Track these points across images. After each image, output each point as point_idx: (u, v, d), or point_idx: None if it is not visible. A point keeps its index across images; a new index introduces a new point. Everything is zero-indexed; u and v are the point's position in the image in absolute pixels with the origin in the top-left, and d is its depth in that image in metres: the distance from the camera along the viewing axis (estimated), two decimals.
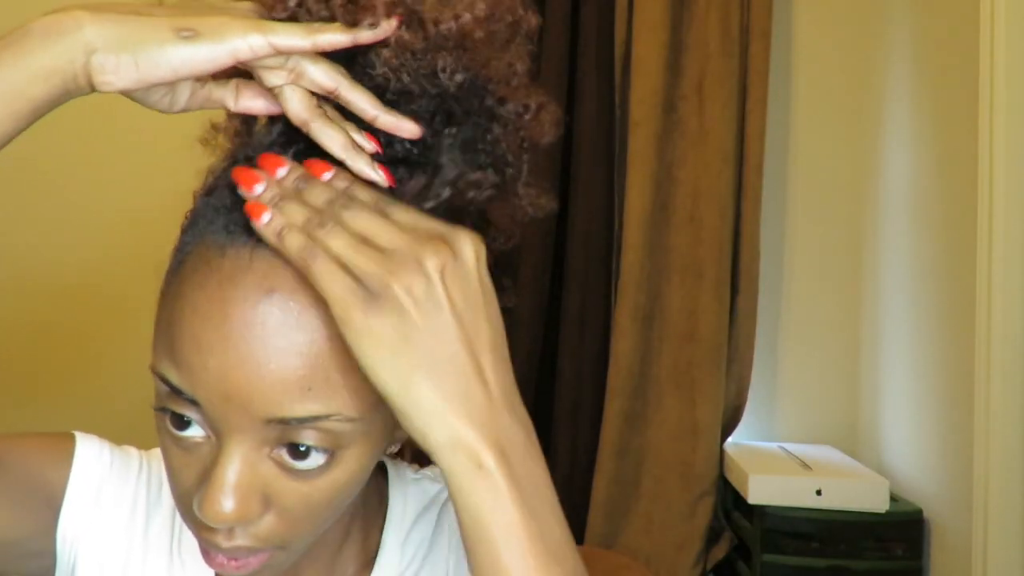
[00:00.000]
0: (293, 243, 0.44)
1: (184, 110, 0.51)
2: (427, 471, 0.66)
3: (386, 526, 0.62)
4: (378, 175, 0.47)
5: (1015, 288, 1.50)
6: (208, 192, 0.50)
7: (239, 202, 0.47)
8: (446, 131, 0.49)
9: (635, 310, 2.04)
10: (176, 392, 0.47)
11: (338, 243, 0.44)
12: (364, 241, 0.44)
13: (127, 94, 0.48)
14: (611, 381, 2.03)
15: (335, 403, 0.46)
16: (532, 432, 0.47)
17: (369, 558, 0.61)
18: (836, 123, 2.19)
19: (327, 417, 0.46)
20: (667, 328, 2.06)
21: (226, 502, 0.46)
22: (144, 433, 0.59)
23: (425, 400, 0.43)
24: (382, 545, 0.61)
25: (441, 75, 0.48)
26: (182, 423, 0.48)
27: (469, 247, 0.45)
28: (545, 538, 0.44)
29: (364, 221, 0.45)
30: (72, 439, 0.62)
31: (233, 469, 0.46)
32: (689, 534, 2.00)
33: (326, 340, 0.45)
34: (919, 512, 1.79)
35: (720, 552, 2.01)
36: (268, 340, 0.45)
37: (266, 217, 0.45)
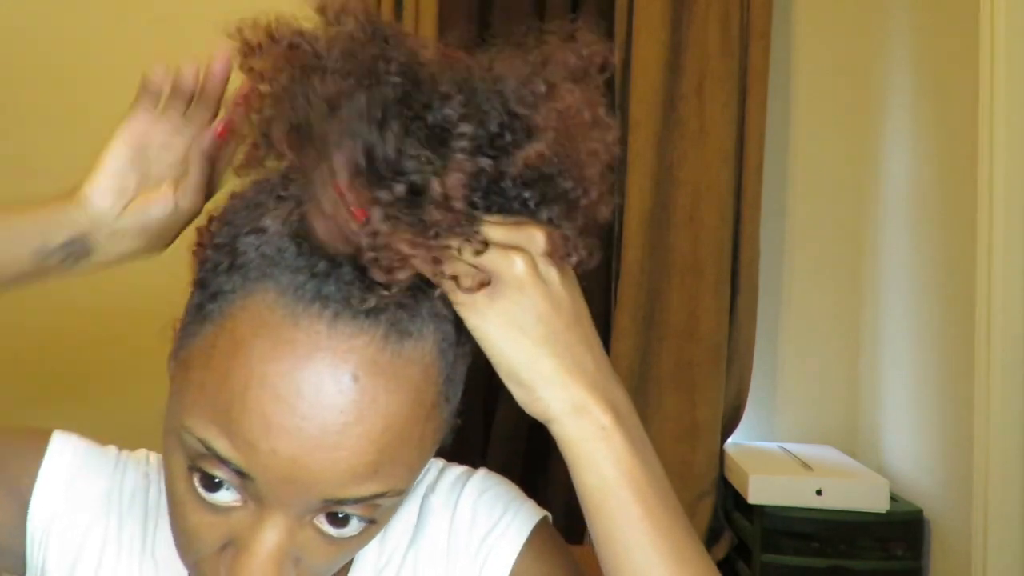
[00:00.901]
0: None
1: (190, 214, 0.62)
2: None
3: None
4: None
5: (1015, 288, 1.50)
6: (257, 234, 0.46)
7: (310, 263, 0.44)
8: (525, 194, 0.47)
9: (635, 310, 2.04)
10: (222, 461, 0.44)
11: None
12: (437, 262, 0.44)
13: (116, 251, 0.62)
14: None
15: (393, 480, 0.46)
16: (630, 400, 0.50)
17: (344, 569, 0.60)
18: (836, 123, 2.19)
19: (384, 495, 0.46)
20: (667, 328, 2.06)
21: (263, 572, 0.45)
22: (148, 434, 0.59)
23: (549, 371, 0.45)
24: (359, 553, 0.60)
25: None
26: (213, 485, 0.45)
27: (545, 233, 0.47)
28: (660, 484, 0.48)
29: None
30: (47, 435, 0.61)
31: (274, 541, 0.45)
32: None
33: (401, 421, 0.45)
34: (919, 512, 1.79)
35: (720, 552, 2.01)
36: (345, 427, 0.43)
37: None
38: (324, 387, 0.43)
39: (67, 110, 2.37)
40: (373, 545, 0.60)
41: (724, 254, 2.05)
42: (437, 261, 0.44)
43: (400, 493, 0.47)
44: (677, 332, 2.05)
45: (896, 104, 2.01)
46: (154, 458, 0.63)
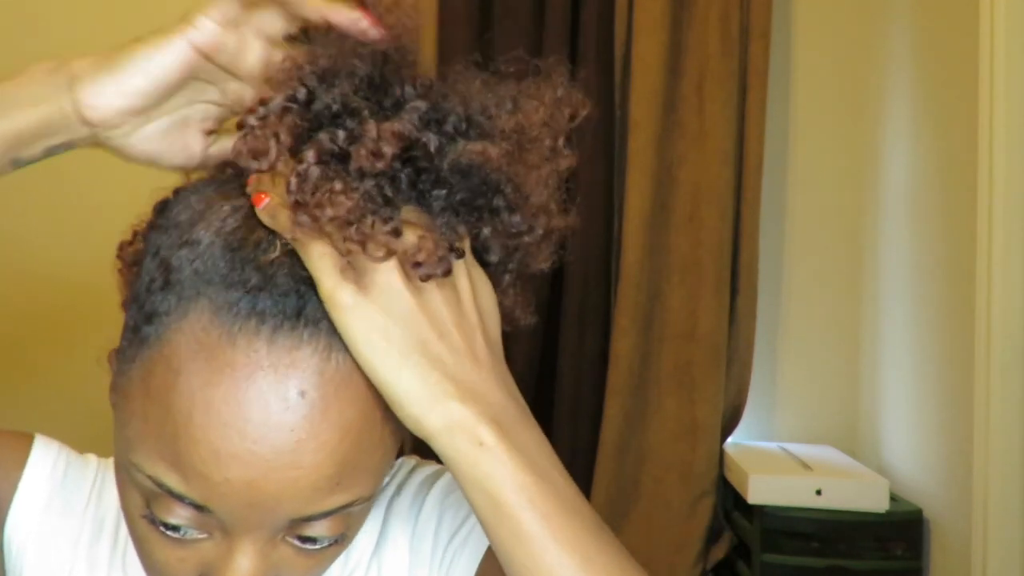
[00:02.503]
0: (283, 219, 0.42)
1: (202, 165, 0.50)
2: None
3: None
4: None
5: (1015, 288, 1.50)
6: (190, 247, 0.44)
7: (243, 277, 0.42)
8: (433, 192, 0.45)
9: (635, 310, 2.04)
10: (176, 497, 0.42)
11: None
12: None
13: (130, 152, 0.48)
14: (611, 381, 2.03)
15: (358, 489, 0.45)
16: (526, 408, 0.46)
17: None
18: (836, 123, 2.19)
19: (351, 504, 0.45)
20: (667, 328, 2.06)
21: None
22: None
23: (419, 385, 0.42)
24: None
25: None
26: (170, 527, 0.44)
27: (418, 237, 0.44)
28: (560, 494, 0.44)
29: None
30: (29, 442, 0.59)
31: (248, 567, 0.44)
32: (689, 534, 2.00)
33: (357, 428, 0.43)
34: (919, 512, 1.79)
35: (720, 552, 2.01)
36: (299, 445, 0.41)
37: (266, 200, 0.43)
38: (271, 407, 0.41)
39: None
40: (336, 567, 0.58)
41: (724, 254, 2.05)
42: (352, 219, 0.41)
43: (368, 499, 0.46)
44: (677, 332, 2.05)
45: (896, 104, 2.01)
46: None
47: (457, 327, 0.44)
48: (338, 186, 0.41)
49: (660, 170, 2.05)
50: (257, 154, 0.42)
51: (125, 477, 0.45)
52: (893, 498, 1.81)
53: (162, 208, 0.49)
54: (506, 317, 0.50)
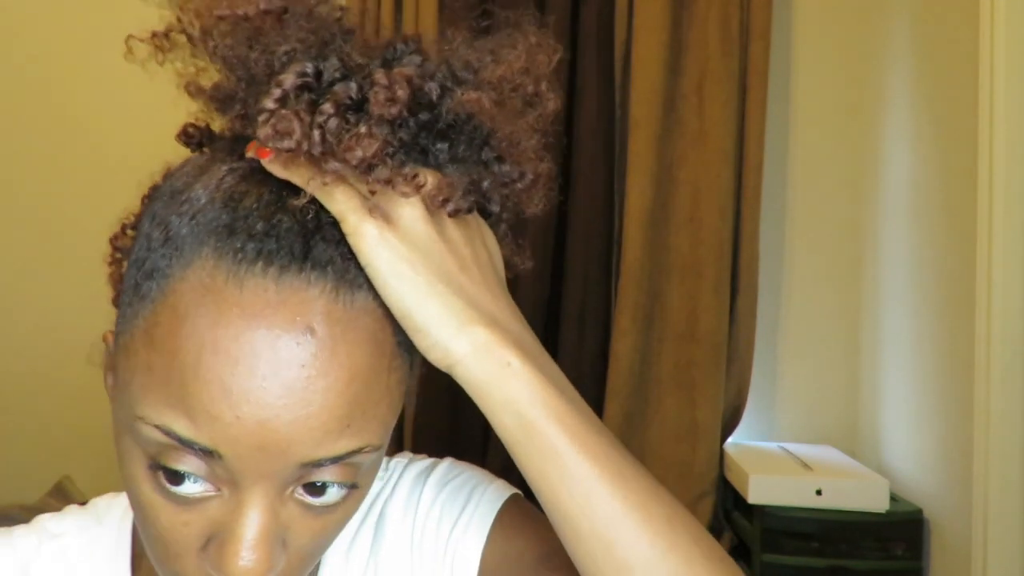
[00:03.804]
0: (300, 168, 0.43)
1: None
2: None
3: None
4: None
5: (1015, 288, 1.50)
6: (188, 204, 0.45)
7: (247, 225, 0.43)
8: (437, 146, 0.47)
9: (635, 310, 2.04)
10: (185, 444, 0.42)
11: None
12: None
13: None
14: (611, 381, 2.03)
15: (367, 435, 0.44)
16: (540, 344, 0.48)
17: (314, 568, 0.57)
18: (836, 123, 2.19)
19: (360, 451, 0.44)
20: (667, 328, 2.06)
21: (253, 557, 0.43)
22: None
23: (445, 311, 0.44)
24: (323, 559, 0.58)
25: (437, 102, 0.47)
26: (177, 478, 0.43)
27: (436, 177, 0.46)
28: (584, 413, 0.46)
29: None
30: None
31: (258, 521, 0.43)
32: None
33: (365, 372, 0.43)
34: (919, 512, 1.79)
35: None
36: (309, 381, 0.41)
37: (271, 154, 0.44)
38: (280, 343, 0.41)
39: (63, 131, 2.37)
40: (339, 555, 0.58)
41: (724, 254, 2.05)
42: (377, 161, 0.43)
43: (376, 449, 0.45)
44: (677, 332, 2.05)
45: (896, 104, 2.01)
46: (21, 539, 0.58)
47: (474, 261, 0.46)
48: (363, 130, 0.42)
49: (660, 170, 2.05)
50: (284, 134, 0.42)
51: (129, 442, 0.44)
52: (893, 498, 1.81)
53: (153, 190, 0.50)
54: (506, 264, 0.52)
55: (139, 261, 0.45)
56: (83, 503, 0.62)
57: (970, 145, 1.58)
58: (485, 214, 0.50)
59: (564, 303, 2.12)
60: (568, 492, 0.44)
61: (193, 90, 0.47)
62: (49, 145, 2.35)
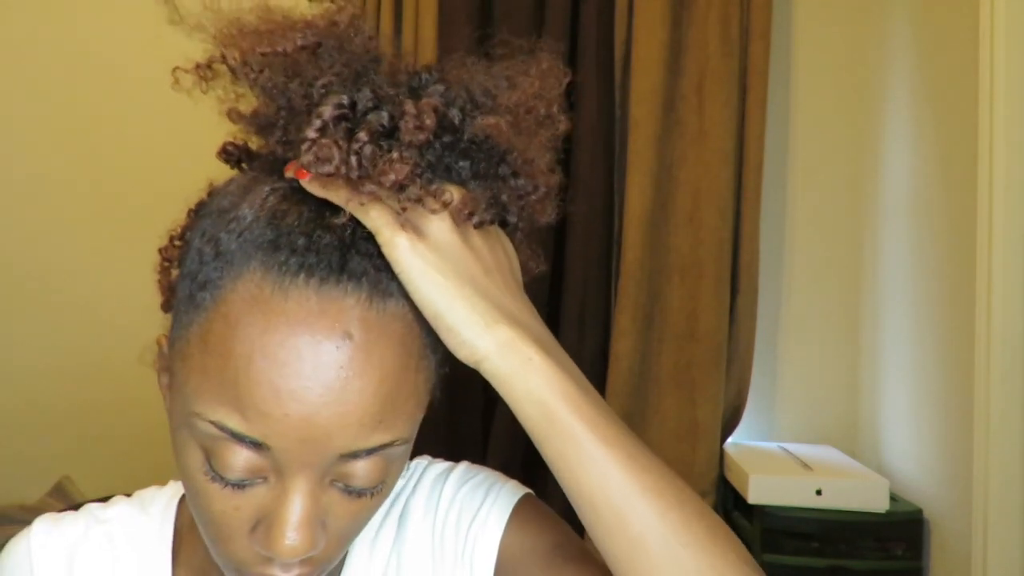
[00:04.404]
0: (339, 189, 0.48)
1: None
2: None
3: None
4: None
5: (1015, 288, 1.50)
6: (236, 222, 0.50)
7: (289, 240, 0.48)
8: (460, 164, 0.52)
9: (635, 310, 2.04)
10: (237, 437, 0.47)
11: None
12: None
13: None
14: (611, 381, 2.03)
15: (398, 430, 0.49)
16: (557, 341, 0.53)
17: (336, 569, 0.62)
18: (836, 123, 2.19)
19: (392, 443, 0.49)
20: (667, 328, 2.06)
21: (298, 537, 0.47)
22: None
23: (472, 312, 0.48)
24: (350, 550, 0.62)
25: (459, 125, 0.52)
26: (228, 467, 0.48)
27: (461, 192, 0.50)
28: (600, 405, 0.50)
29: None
30: None
31: (302, 505, 0.48)
32: None
33: (395, 372, 0.48)
34: (919, 512, 1.80)
35: None
36: (348, 382, 0.46)
37: (309, 175, 0.49)
38: (322, 348, 0.46)
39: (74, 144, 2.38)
40: (364, 546, 0.62)
41: (724, 254, 2.05)
42: (408, 182, 0.48)
43: (406, 442, 0.51)
44: (677, 332, 2.05)
45: (896, 104, 2.01)
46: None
47: (496, 267, 0.52)
48: (395, 155, 0.48)
49: (660, 170, 2.05)
50: (325, 161, 0.47)
51: (185, 435, 0.49)
52: (893, 498, 1.81)
53: (199, 206, 0.55)
54: (524, 269, 0.57)
55: (192, 274, 0.50)
56: (128, 495, 0.67)
57: (970, 145, 1.58)
58: (503, 224, 0.55)
59: (564, 303, 2.12)
60: (586, 473, 0.48)
61: (235, 116, 0.52)
62: (59, 159, 2.36)
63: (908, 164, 1.94)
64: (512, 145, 0.52)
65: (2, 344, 2.35)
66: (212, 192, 0.55)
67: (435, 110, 0.49)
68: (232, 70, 0.51)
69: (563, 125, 0.55)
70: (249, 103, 0.53)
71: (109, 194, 2.32)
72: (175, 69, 0.52)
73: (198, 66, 0.51)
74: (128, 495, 0.67)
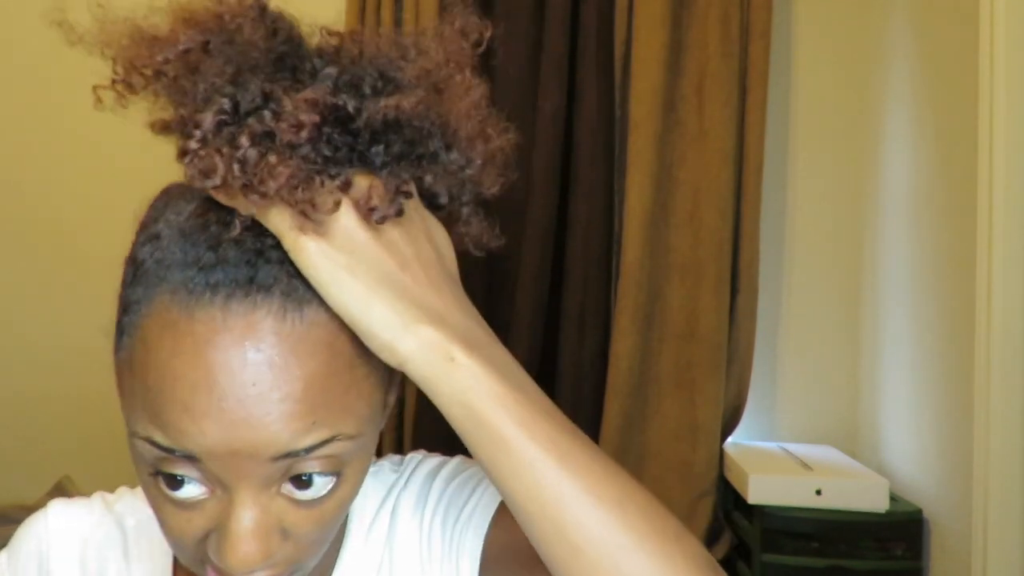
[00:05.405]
0: (239, 198, 0.45)
1: None
2: (384, 461, 0.66)
3: (348, 522, 0.62)
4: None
5: (1015, 288, 1.50)
6: (152, 242, 0.48)
7: (196, 257, 0.46)
8: (372, 150, 0.48)
9: (635, 310, 2.04)
10: (168, 451, 0.46)
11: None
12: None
13: None
14: (611, 381, 2.03)
15: (338, 425, 0.47)
16: (492, 333, 0.49)
17: (332, 559, 0.61)
18: (836, 123, 2.19)
19: (331, 440, 0.47)
20: (667, 328, 2.06)
21: (248, 548, 0.46)
22: None
23: (389, 313, 0.45)
24: (345, 541, 0.62)
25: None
26: (176, 483, 0.47)
27: (368, 180, 0.47)
28: (533, 401, 0.47)
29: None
30: None
31: (248, 516, 0.47)
32: None
33: (322, 378, 0.46)
34: (919, 512, 1.79)
35: (720, 552, 2.01)
36: (261, 396, 0.45)
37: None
38: (231, 365, 0.44)
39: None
40: (360, 538, 0.62)
41: (724, 254, 2.05)
42: (297, 183, 0.44)
43: (351, 438, 0.48)
44: (677, 332, 2.05)
45: (896, 104, 2.01)
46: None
47: (416, 260, 0.48)
48: (273, 159, 0.44)
49: (660, 170, 2.05)
50: (208, 173, 0.44)
51: (135, 453, 0.49)
52: (893, 498, 1.81)
53: (139, 222, 0.53)
54: (476, 244, 0.54)
55: (122, 296, 0.49)
56: (132, 488, 0.67)
57: (970, 145, 1.58)
58: (436, 207, 0.51)
59: (564, 303, 2.12)
60: (517, 477, 0.45)
61: (159, 127, 0.49)
62: (59, 157, 2.36)
63: (908, 164, 1.94)
64: (431, 119, 0.48)
65: (2, 344, 2.35)
66: (151, 204, 0.52)
67: (313, 104, 0.45)
68: (128, 86, 0.48)
69: (478, 90, 0.51)
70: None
71: (109, 193, 2.33)
72: (95, 88, 0.48)
73: (114, 81, 0.48)
74: (132, 488, 0.67)
